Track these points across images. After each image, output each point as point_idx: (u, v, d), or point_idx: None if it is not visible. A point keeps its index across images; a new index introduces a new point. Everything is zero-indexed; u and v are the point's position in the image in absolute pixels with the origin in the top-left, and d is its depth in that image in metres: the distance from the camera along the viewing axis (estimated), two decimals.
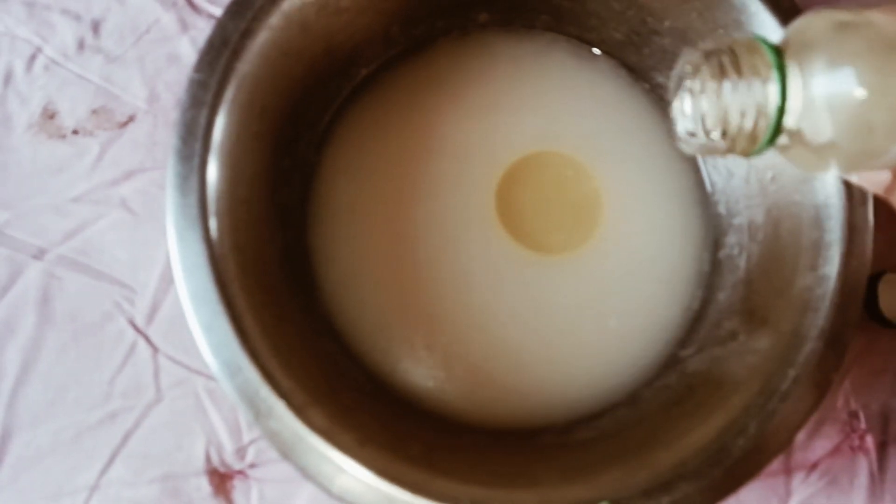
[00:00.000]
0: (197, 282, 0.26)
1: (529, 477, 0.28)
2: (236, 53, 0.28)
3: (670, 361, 0.34)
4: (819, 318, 0.28)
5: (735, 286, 0.33)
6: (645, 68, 0.36)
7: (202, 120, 0.27)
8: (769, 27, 0.30)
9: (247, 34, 0.28)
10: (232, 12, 0.29)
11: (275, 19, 0.29)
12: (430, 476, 0.26)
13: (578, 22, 0.36)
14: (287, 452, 0.26)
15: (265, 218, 0.31)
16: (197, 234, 0.26)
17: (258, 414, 0.26)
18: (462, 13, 0.36)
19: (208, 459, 0.35)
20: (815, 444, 0.36)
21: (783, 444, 0.27)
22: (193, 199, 0.27)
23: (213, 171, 0.27)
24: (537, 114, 0.36)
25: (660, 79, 0.36)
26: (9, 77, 0.38)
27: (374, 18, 0.34)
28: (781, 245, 0.31)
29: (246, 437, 0.35)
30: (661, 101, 0.36)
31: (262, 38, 0.29)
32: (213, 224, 0.27)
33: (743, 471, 0.27)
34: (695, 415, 0.29)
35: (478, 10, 0.36)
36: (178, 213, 0.27)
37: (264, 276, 0.30)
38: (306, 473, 0.26)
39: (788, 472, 0.36)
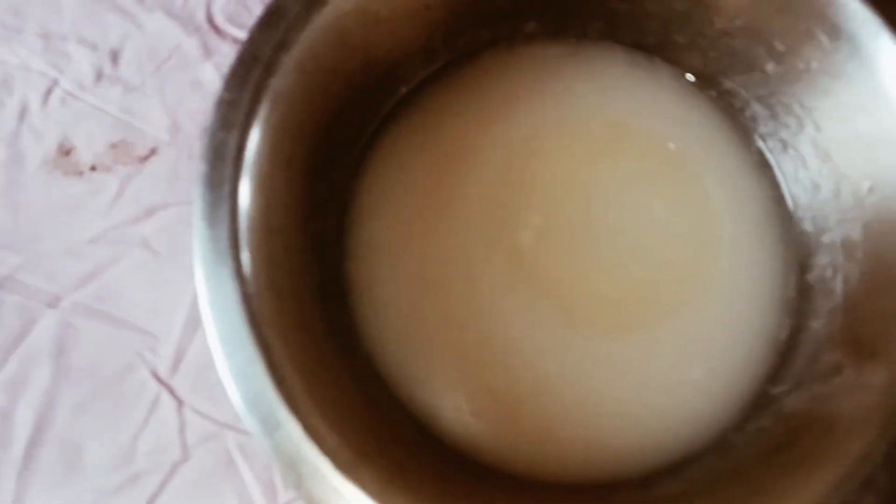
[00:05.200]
0: (228, 324, 0.23)
1: None
2: (269, 69, 0.25)
3: (761, 401, 0.29)
4: None
5: (832, 313, 0.29)
6: (711, 74, 0.33)
7: (232, 142, 0.24)
8: (861, 19, 0.27)
9: (281, 47, 0.25)
10: (264, 24, 0.26)
11: (311, 30, 0.26)
12: None
13: (635, 27, 0.33)
14: None
15: (300, 250, 0.28)
16: (228, 269, 0.23)
17: (300, 478, 0.23)
18: (509, 23, 0.33)
19: None
20: None
21: None
22: (224, 231, 0.23)
23: (244, 199, 0.24)
24: (593, 132, 0.33)
25: (728, 84, 0.32)
26: (23, 112, 0.36)
27: (414, 29, 0.31)
28: (886, 264, 0.27)
29: (281, 498, 0.31)
30: (729, 109, 0.33)
31: (297, 52, 0.26)
32: (245, 258, 0.24)
33: None
34: (803, 464, 0.25)
35: (525, 18, 0.33)
36: (206, 246, 0.23)
37: (301, 316, 0.26)
38: None
39: None
